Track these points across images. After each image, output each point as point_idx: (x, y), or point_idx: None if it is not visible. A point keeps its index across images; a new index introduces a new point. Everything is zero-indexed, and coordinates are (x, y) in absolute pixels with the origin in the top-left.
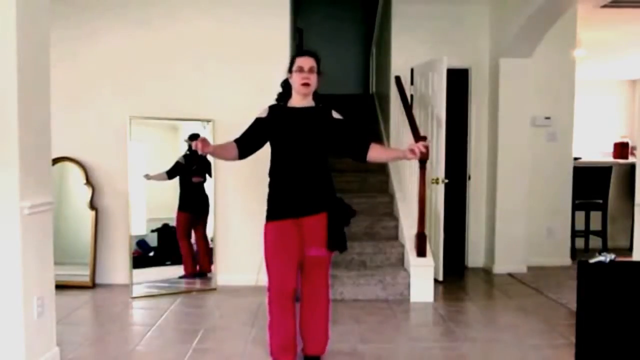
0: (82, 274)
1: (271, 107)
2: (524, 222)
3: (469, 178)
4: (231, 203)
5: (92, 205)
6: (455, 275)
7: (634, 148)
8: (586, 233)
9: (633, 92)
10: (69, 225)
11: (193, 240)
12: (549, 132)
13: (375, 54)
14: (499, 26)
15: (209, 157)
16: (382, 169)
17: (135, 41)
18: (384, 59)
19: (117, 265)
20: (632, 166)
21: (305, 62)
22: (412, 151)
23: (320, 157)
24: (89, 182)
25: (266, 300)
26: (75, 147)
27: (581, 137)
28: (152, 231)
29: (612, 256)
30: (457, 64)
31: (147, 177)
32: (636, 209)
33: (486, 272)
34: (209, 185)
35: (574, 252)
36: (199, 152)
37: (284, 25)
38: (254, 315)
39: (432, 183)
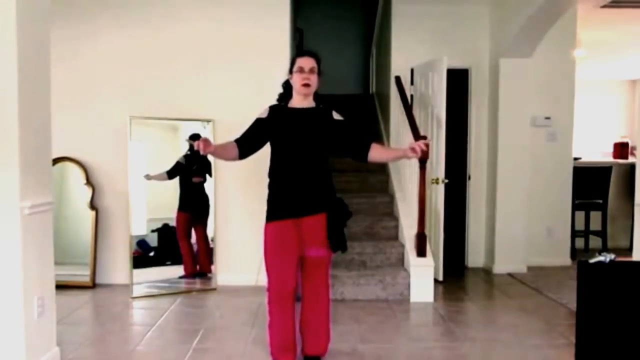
0: (82, 274)
1: (272, 108)
2: (524, 222)
3: (469, 178)
4: (231, 203)
5: (93, 205)
6: (455, 275)
7: (634, 148)
8: (586, 233)
9: (633, 92)
10: (69, 225)
11: (193, 240)
12: (549, 132)
13: (375, 54)
14: (499, 26)
15: (210, 157)
16: (382, 169)
17: (135, 41)
18: (384, 59)
19: (117, 265)
20: (632, 166)
21: (306, 62)
22: (413, 150)
23: (321, 157)
24: (89, 182)
25: (266, 300)
26: (75, 147)
27: (581, 137)
28: (153, 231)
29: (612, 256)
30: (457, 64)
31: (148, 177)
32: (636, 209)
33: (486, 272)
34: (209, 185)
35: (574, 252)
36: (201, 152)
37: (284, 25)
38: (254, 315)
39: (432, 183)
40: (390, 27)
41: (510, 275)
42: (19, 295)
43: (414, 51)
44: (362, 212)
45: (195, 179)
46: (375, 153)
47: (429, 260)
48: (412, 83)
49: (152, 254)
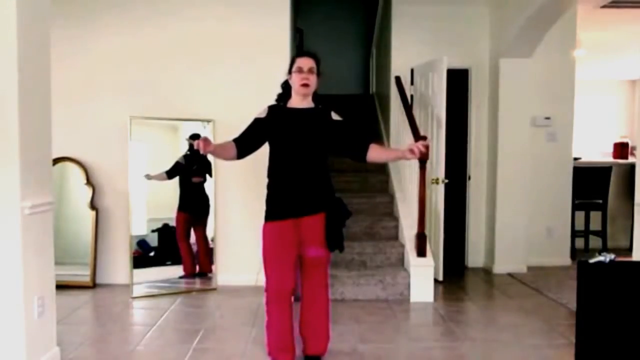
0: (82, 274)
1: (270, 108)
2: (524, 222)
3: (469, 178)
4: (231, 203)
5: (93, 205)
6: (455, 275)
7: (633, 148)
8: (586, 233)
9: (633, 92)
10: (70, 225)
11: (193, 240)
12: (549, 132)
13: (376, 54)
14: (499, 26)
15: (210, 157)
16: (382, 169)
17: (135, 41)
18: (384, 59)
19: (117, 265)
20: (632, 166)
21: (305, 62)
22: (411, 151)
23: (319, 158)
24: (89, 182)
25: (264, 300)
26: (75, 147)
27: (581, 137)
28: (153, 231)
29: (612, 256)
30: (457, 64)
31: (148, 177)
32: (636, 208)
33: (486, 272)
34: (209, 185)
35: (574, 252)
36: (201, 152)
37: (284, 25)
38: (254, 315)
39: (432, 183)
40: (390, 27)
41: (510, 275)
42: (19, 295)
43: (414, 51)
44: (362, 212)
45: (195, 179)
46: (374, 153)
47: (429, 260)
48: (412, 83)
49: (152, 254)
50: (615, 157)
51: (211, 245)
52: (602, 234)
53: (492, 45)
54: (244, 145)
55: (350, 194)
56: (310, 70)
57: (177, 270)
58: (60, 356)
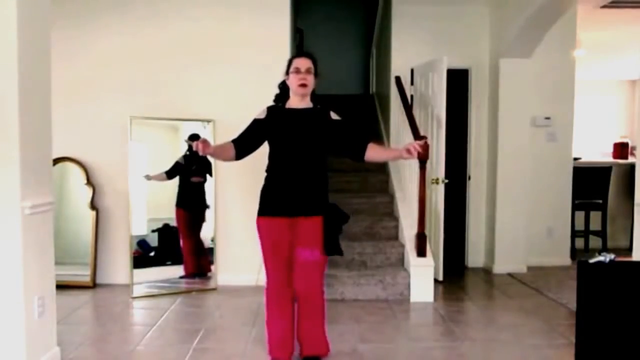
0: (82, 274)
1: (269, 108)
2: (524, 222)
3: (469, 178)
4: (231, 203)
5: (93, 205)
6: (455, 275)
7: (633, 148)
8: (586, 233)
9: (633, 92)
10: (70, 225)
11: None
12: (549, 132)
13: (376, 54)
14: (499, 26)
15: (209, 157)
16: (382, 169)
17: (135, 41)
18: (384, 59)
19: (117, 265)
20: (632, 166)
21: (302, 63)
22: (408, 150)
23: (318, 158)
24: (89, 182)
25: (264, 297)
26: (76, 147)
27: (581, 137)
28: (153, 231)
29: (612, 256)
30: (457, 64)
31: (148, 177)
32: (636, 208)
33: (486, 272)
34: (209, 185)
35: (574, 252)
36: (200, 153)
37: (285, 25)
38: (254, 315)
39: (432, 183)
40: (390, 27)
41: (510, 275)
42: (19, 295)
43: (414, 51)
44: (362, 212)
45: (194, 179)
46: (372, 153)
47: (429, 260)
48: (412, 83)
49: (152, 254)
50: (615, 157)
51: (210, 245)
52: (602, 234)
53: (492, 45)
54: (243, 146)
55: (350, 194)
56: (307, 71)
57: (177, 270)
58: (61, 356)
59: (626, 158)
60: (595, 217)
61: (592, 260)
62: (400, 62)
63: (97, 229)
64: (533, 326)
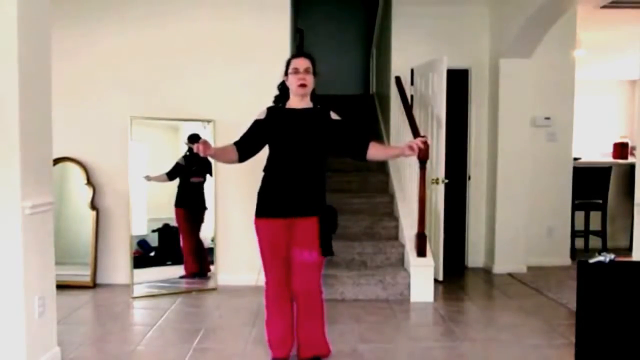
0: (82, 274)
1: (269, 109)
2: (524, 222)
3: (469, 178)
4: (232, 203)
5: (93, 205)
6: (455, 275)
7: (633, 148)
8: (586, 233)
9: (633, 92)
10: (70, 226)
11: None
12: (549, 132)
13: (376, 55)
14: (499, 26)
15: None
16: (382, 168)
17: (135, 41)
18: (384, 60)
19: (117, 265)
20: (632, 166)
21: (301, 63)
22: (410, 148)
23: (318, 159)
24: (89, 182)
25: (264, 297)
26: (76, 147)
27: (581, 137)
28: (153, 231)
29: (612, 256)
30: (457, 64)
31: (148, 178)
32: (636, 208)
33: (486, 272)
34: (209, 186)
35: (574, 252)
36: (201, 155)
37: (285, 26)
38: (254, 315)
39: (432, 183)
40: (390, 27)
41: (510, 275)
42: (19, 295)
43: (414, 51)
44: (362, 212)
45: (194, 179)
46: (374, 151)
47: (429, 260)
48: (412, 83)
49: (152, 254)
50: (615, 157)
51: (210, 245)
52: (602, 234)
53: (492, 45)
54: (245, 148)
55: (350, 194)
56: (306, 71)
57: (178, 270)
58: (61, 356)
59: (626, 158)
60: (595, 217)
61: (592, 260)
62: (400, 62)
63: (98, 229)
64: (533, 326)
